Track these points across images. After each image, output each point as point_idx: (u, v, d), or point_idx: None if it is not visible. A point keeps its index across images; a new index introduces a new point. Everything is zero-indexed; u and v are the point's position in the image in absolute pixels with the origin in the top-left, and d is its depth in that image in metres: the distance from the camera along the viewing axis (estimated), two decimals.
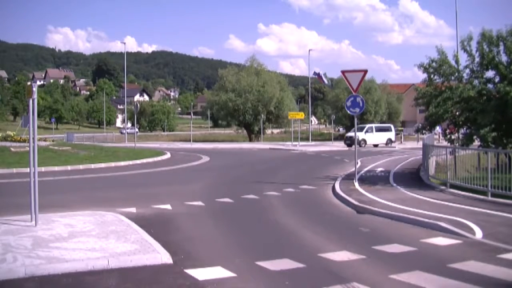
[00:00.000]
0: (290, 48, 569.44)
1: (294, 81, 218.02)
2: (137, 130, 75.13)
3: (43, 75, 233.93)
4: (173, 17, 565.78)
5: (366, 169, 26.62)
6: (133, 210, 14.16)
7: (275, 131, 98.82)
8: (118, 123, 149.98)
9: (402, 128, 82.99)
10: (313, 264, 8.80)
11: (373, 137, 56.43)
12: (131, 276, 8.22)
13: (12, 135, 36.35)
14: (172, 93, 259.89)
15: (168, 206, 14.92)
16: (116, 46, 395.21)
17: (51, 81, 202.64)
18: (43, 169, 22.70)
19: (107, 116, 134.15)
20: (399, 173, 24.46)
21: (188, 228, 12.23)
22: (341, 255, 9.33)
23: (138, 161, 31.69)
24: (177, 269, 8.51)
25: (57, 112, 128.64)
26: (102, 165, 29.26)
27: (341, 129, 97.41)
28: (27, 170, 12.91)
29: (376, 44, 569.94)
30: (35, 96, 11.51)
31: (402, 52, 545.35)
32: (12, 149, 32.02)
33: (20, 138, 35.36)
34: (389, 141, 57.29)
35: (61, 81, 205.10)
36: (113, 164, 29.81)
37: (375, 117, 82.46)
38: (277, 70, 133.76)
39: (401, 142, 63.54)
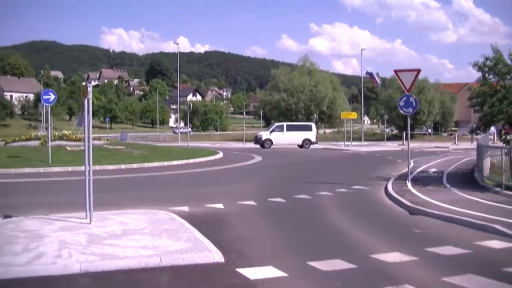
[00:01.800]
0: (342, 48, 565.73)
1: (346, 80, 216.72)
2: (190, 129, 75.73)
3: (98, 76, 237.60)
4: (226, 17, 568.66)
5: (419, 169, 26.30)
6: (185, 209, 14.28)
7: (328, 131, 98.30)
8: (171, 122, 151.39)
9: (456, 129, 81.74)
10: (365, 265, 8.73)
11: (282, 138, 51.63)
12: (183, 274, 8.31)
13: (68, 134, 37.05)
14: (224, 93, 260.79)
15: (220, 205, 15.00)
16: (169, 47, 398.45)
17: (106, 81, 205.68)
18: (97, 167, 23.02)
19: (160, 116, 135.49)
20: (452, 174, 24.08)
21: (240, 227, 12.28)
22: (393, 256, 9.22)
23: (191, 161, 31.90)
24: (229, 268, 8.54)
25: (111, 111, 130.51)
26: (156, 164, 29.57)
27: (394, 129, 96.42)
28: (82, 168, 13.12)
29: (429, 43, 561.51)
30: (90, 96, 11.73)
31: (456, 51, 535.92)
32: (67, 148, 32.69)
33: (76, 137, 36.00)
34: (307, 142, 51.58)
35: (115, 81, 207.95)
36: (166, 163, 30.08)
37: (428, 117, 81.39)
38: (329, 69, 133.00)
39: (455, 142, 61.50)
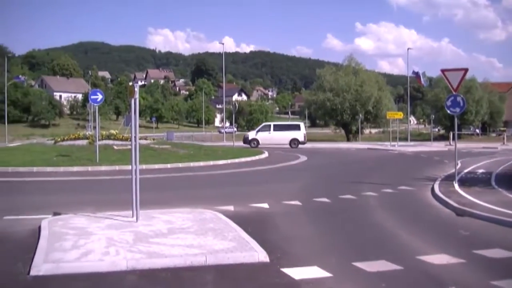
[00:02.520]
0: (388, 47, 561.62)
1: (392, 80, 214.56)
2: (235, 129, 75.92)
3: (144, 76, 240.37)
4: (271, 17, 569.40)
5: (466, 170, 25.92)
6: (231, 208, 14.34)
7: (373, 131, 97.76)
8: (217, 122, 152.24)
9: (505, 129, 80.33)
10: (411, 267, 8.64)
11: (268, 137, 50.43)
12: (227, 273, 8.36)
13: (115, 133, 37.52)
14: (270, 93, 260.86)
15: (265, 205, 15.01)
16: (214, 47, 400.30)
17: (152, 81, 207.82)
18: (144, 166, 23.27)
19: (206, 116, 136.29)
20: (501, 175, 23.64)
21: (285, 227, 12.28)
22: (439, 258, 9.11)
23: (236, 160, 32.00)
24: (274, 268, 8.56)
25: (157, 111, 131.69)
26: (201, 163, 29.73)
27: (440, 129, 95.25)
28: (129, 167, 13.30)
29: (477, 42, 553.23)
30: (137, 96, 11.87)
31: (505, 49, 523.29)
32: (115, 147, 33.11)
33: (122, 136, 36.43)
34: (295, 142, 50.34)
35: (161, 81, 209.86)
36: (211, 162, 30.22)
37: (476, 116, 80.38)
38: (375, 69, 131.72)
39: (504, 143, 60.05)
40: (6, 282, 8.04)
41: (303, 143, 50.92)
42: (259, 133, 51.56)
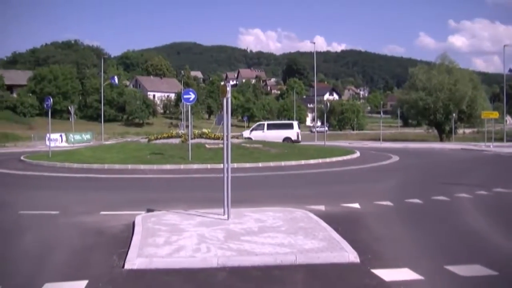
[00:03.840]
0: (483, 44, 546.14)
1: (487, 78, 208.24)
2: (326, 128, 75.66)
3: (236, 75, 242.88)
4: (362, 16, 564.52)
5: None
6: (321, 207, 14.28)
7: (467, 130, 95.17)
8: (308, 121, 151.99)
9: None
10: (507, 272, 8.35)
11: (262, 136, 48.76)
12: (317, 273, 8.33)
13: (207, 132, 38.00)
14: (361, 92, 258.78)
15: (356, 205, 14.87)
16: (305, 46, 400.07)
17: (243, 80, 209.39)
18: (235, 165, 23.47)
19: (297, 115, 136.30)
20: None
21: (376, 228, 12.11)
22: None
23: (327, 159, 31.80)
24: (364, 269, 8.48)
25: (249, 110, 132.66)
26: (293, 162, 29.67)
27: None
28: (221, 166, 13.46)
29: None
30: (229, 95, 11.98)
31: None
32: (207, 145, 33.52)
33: (215, 135, 36.85)
34: (288, 140, 49.56)
35: (253, 81, 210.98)
36: (303, 162, 30.15)
37: None
38: (469, 67, 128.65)
39: None
40: (102, 274, 8.32)
41: (296, 141, 50.56)
42: (253, 132, 51.92)
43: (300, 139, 52.15)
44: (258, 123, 56.44)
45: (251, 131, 52.48)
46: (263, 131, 51.47)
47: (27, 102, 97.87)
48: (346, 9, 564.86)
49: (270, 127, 52.64)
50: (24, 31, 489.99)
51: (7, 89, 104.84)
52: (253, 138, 49.04)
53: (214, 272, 8.34)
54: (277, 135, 49.99)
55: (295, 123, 55.22)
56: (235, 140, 36.78)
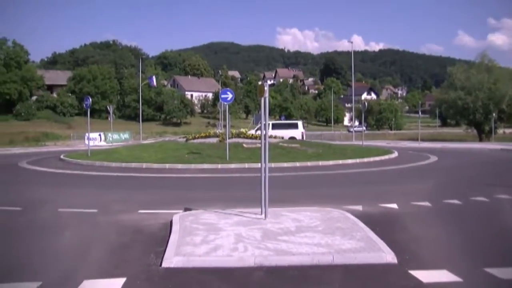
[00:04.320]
0: None
1: None
2: (364, 128, 75.25)
3: (273, 75, 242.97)
4: (400, 15, 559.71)
5: None
6: (359, 207, 14.21)
7: (507, 130, 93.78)
8: (346, 121, 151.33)
9: None
10: None
11: None
12: (354, 273, 8.30)
13: (245, 132, 38.12)
14: (399, 92, 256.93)
15: (394, 205, 14.76)
16: (343, 45, 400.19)
17: (281, 80, 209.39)
18: (272, 165, 23.48)
19: (335, 114, 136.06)
20: None
21: (414, 229, 12.00)
22: None
23: (365, 159, 31.64)
24: (401, 270, 8.41)
25: (286, 110, 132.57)
26: (330, 162, 29.55)
27: None
28: (258, 165, 13.46)
29: None
30: (267, 95, 11.99)
31: None
32: (244, 145, 33.63)
33: (252, 135, 36.94)
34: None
35: (290, 80, 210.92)
36: (340, 161, 30.01)
37: None
38: (510, 66, 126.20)
39: None
40: (140, 272, 8.42)
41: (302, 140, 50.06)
42: (259, 131, 50.74)
43: (304, 139, 52.02)
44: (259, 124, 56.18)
45: (256, 130, 52.08)
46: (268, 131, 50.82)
47: (66, 102, 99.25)
48: (383, 8, 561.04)
49: (275, 126, 52.01)
50: (63, 32, 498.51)
51: (47, 89, 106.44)
52: None
53: (250, 272, 8.36)
54: (282, 134, 49.32)
55: (300, 123, 55.27)
56: (273, 140, 36.77)
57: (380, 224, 11.86)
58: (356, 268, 8.55)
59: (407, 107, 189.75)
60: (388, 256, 8.95)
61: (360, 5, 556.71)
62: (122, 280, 7.92)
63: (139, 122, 79.59)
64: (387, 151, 38.19)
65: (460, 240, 11.00)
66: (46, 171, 27.48)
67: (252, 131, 51.87)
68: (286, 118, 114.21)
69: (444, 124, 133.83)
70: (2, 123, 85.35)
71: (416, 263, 8.77)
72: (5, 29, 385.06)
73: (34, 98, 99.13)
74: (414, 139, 66.71)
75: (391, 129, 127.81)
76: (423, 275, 8.02)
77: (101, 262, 9.09)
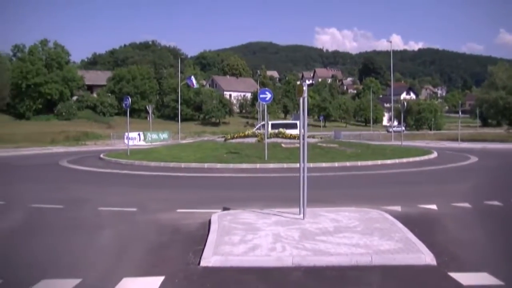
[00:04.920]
0: None
1: None
2: (403, 128, 74.62)
3: (312, 75, 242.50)
4: (439, 14, 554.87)
5: None
6: (397, 208, 14.12)
7: None
8: (385, 121, 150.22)
9: None
10: None
11: None
12: (393, 275, 8.26)
13: (283, 132, 38.12)
14: (439, 91, 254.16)
15: (433, 206, 14.62)
16: (382, 45, 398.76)
17: (319, 80, 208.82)
18: (311, 165, 23.42)
19: (374, 114, 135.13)
20: None
21: (454, 230, 11.87)
22: None
23: (404, 160, 31.39)
24: (441, 271, 8.34)
25: (325, 110, 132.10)
26: (369, 162, 29.43)
27: None
28: (297, 165, 13.46)
29: None
30: (305, 95, 11.98)
31: None
32: (283, 145, 33.67)
33: (290, 135, 36.95)
34: None
35: (329, 80, 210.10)
36: (379, 162, 29.86)
37: None
38: None
39: None
40: (179, 270, 8.50)
41: None
42: (258, 131, 50.77)
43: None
44: (263, 123, 55.96)
45: (256, 130, 52.21)
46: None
47: (106, 101, 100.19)
48: (422, 7, 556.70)
49: (274, 127, 51.10)
50: (103, 33, 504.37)
51: (88, 89, 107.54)
52: None
53: (288, 272, 8.37)
54: None
55: (298, 123, 54.30)
56: (311, 140, 36.73)
57: (419, 225, 11.77)
58: (394, 269, 8.51)
59: (446, 107, 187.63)
60: (427, 257, 8.87)
61: (399, 4, 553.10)
62: (160, 279, 8.00)
63: (178, 121, 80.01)
64: (427, 151, 37.84)
65: (501, 242, 10.84)
66: (86, 170, 27.88)
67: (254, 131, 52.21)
68: (325, 118, 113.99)
69: (485, 124, 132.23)
70: (44, 122, 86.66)
71: (456, 265, 8.69)
72: (47, 30, 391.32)
73: (74, 98, 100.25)
74: (454, 139, 65.92)
75: (430, 129, 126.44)
76: (463, 278, 7.94)
77: (140, 261, 9.19)
